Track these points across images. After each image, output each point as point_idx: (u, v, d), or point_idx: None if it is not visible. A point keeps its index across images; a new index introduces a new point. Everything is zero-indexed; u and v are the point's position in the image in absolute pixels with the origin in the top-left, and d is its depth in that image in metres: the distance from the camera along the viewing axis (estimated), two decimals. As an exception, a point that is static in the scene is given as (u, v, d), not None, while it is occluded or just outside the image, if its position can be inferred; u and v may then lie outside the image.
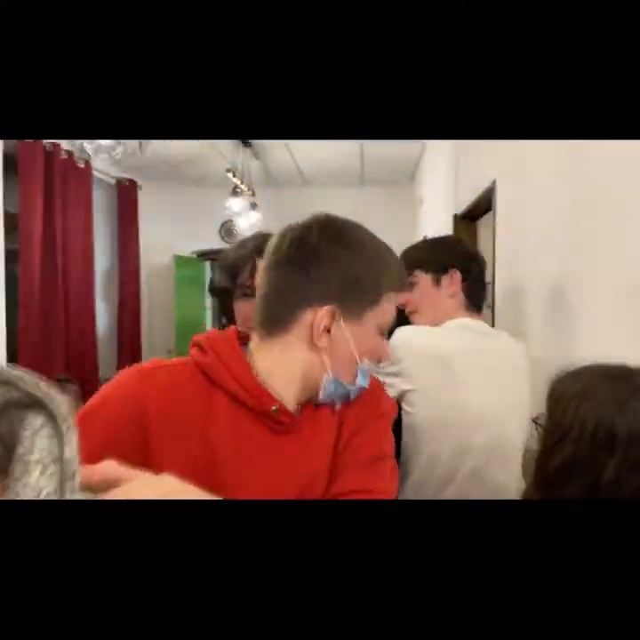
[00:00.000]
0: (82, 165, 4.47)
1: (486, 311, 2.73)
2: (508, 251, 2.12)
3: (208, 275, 7.28)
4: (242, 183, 4.34)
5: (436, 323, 1.49)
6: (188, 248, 6.55)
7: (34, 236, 4.08)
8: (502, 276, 2.24)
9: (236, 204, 4.41)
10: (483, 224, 2.93)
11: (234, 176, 4.23)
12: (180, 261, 6.31)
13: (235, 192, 4.40)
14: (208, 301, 6.91)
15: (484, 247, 2.91)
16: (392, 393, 1.36)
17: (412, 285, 1.52)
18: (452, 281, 1.49)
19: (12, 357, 4.08)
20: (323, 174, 5.72)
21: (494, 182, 2.17)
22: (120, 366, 5.80)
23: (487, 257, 2.75)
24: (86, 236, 4.87)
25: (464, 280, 1.49)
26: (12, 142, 3.92)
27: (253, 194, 4.72)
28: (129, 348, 5.78)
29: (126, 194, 5.70)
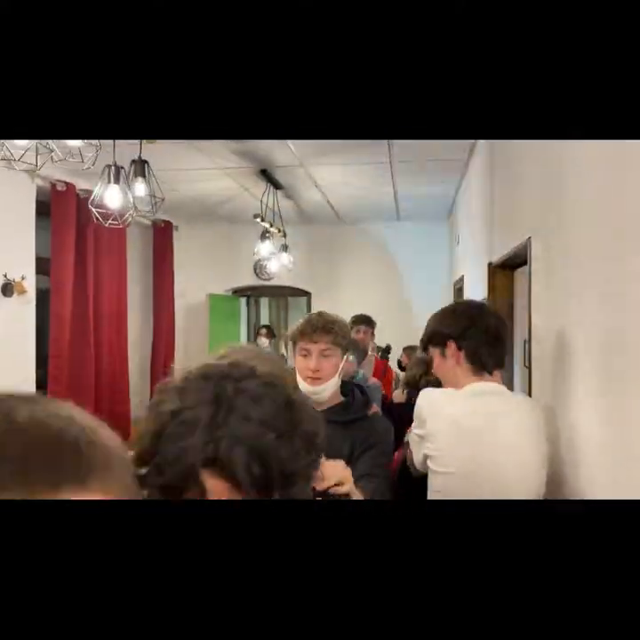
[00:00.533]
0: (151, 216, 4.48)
1: (523, 369, 2.56)
2: (545, 308, 1.96)
3: (243, 309, 7.27)
4: (271, 226, 4.27)
5: (455, 388, 1.63)
6: (223, 286, 6.54)
7: (65, 281, 4.11)
8: (539, 333, 2.07)
9: (264, 249, 4.34)
10: (520, 273, 2.77)
11: (262, 220, 4.17)
12: (215, 299, 6.29)
13: (264, 236, 4.34)
14: (243, 335, 6.88)
15: (520, 298, 2.74)
16: (421, 452, 1.60)
17: (432, 360, 1.74)
18: (451, 352, 1.63)
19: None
20: (356, 211, 5.63)
21: (529, 240, 2.01)
22: (153, 406, 5.76)
23: (524, 312, 2.59)
24: (120, 279, 4.89)
25: (460, 348, 1.62)
26: (46, 189, 3.97)
27: (284, 235, 4.66)
28: (162, 388, 5.74)
29: (162, 235, 5.74)
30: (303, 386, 1.70)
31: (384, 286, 6.18)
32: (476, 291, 3.53)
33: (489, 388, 1.59)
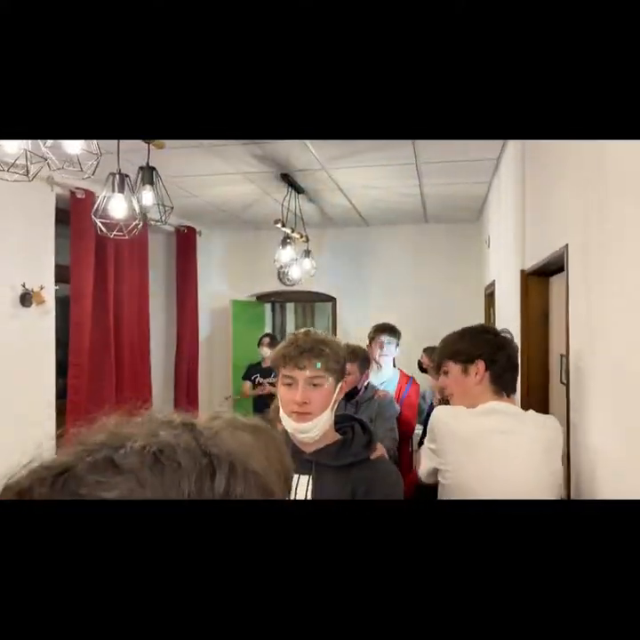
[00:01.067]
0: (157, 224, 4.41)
1: (560, 386, 2.37)
2: (585, 321, 1.78)
3: (268, 315, 7.17)
4: (293, 231, 4.14)
5: (468, 405, 1.70)
6: (246, 292, 6.44)
7: (85, 289, 4.05)
8: (578, 348, 1.89)
9: (284, 255, 4.20)
10: (557, 280, 2.58)
11: (283, 226, 4.04)
12: (238, 305, 6.20)
13: (285, 242, 4.19)
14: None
15: (556, 308, 2.55)
16: (431, 465, 1.71)
17: (446, 373, 1.79)
18: (478, 370, 1.71)
19: (61, 410, 4.02)
20: (382, 214, 5.47)
21: (566, 247, 1.83)
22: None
23: (560, 323, 2.40)
24: (142, 285, 4.82)
25: (488, 369, 1.71)
26: (66, 197, 3.92)
27: (307, 240, 4.52)
28: (185, 395, 5.67)
29: (185, 241, 5.66)
30: (288, 423, 1.41)
31: (412, 291, 6.00)
32: (509, 297, 3.34)
33: (500, 407, 1.68)
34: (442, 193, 4.59)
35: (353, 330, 5.68)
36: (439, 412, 1.73)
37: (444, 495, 1.66)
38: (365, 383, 2.83)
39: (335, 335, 6.45)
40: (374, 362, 3.18)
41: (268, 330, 6.96)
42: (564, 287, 2.01)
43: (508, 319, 3.31)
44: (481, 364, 1.70)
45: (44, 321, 3.77)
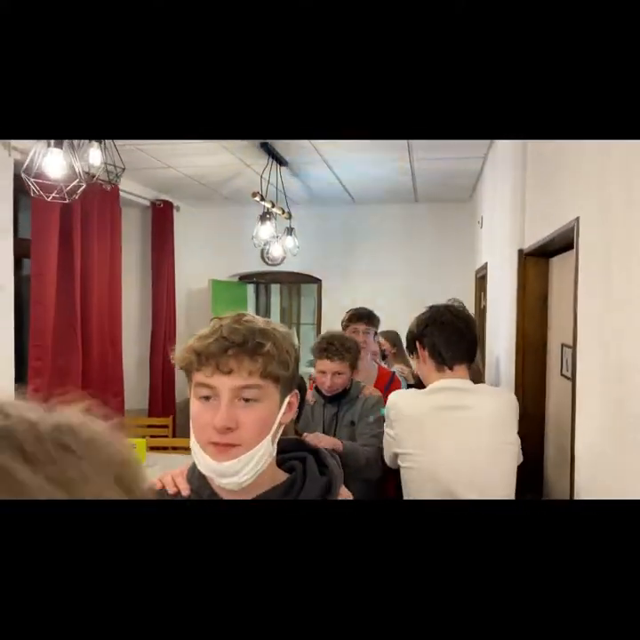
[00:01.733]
0: (107, 188, 4.11)
1: (561, 380, 2.14)
2: (596, 306, 1.53)
3: (251, 297, 6.87)
4: (273, 206, 3.84)
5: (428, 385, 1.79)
6: (227, 271, 6.15)
7: (48, 264, 3.75)
8: (588, 339, 1.65)
9: (264, 232, 3.87)
10: (557, 263, 2.33)
11: (262, 200, 3.73)
12: (218, 286, 5.90)
13: (263, 217, 3.87)
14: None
15: (557, 291, 2.30)
16: (391, 450, 1.77)
17: None
18: (419, 351, 1.79)
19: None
20: (371, 192, 5.18)
21: (577, 221, 1.57)
22: (151, 399, 5.45)
23: (561, 308, 2.16)
24: (113, 263, 4.52)
25: (423, 347, 1.77)
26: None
27: (289, 216, 4.22)
28: (161, 380, 5.41)
29: (161, 216, 5.35)
30: (202, 460, 0.90)
31: (400, 273, 5.74)
32: (503, 280, 3.09)
33: (448, 384, 1.72)
34: (433, 168, 4.31)
35: (339, 313, 5.44)
36: (392, 397, 1.80)
37: (404, 478, 1.71)
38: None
39: (320, 318, 6.26)
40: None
41: (251, 312, 6.68)
42: (570, 268, 1.76)
43: (502, 304, 3.07)
44: (419, 346, 1.77)
45: (0, 298, 3.47)
